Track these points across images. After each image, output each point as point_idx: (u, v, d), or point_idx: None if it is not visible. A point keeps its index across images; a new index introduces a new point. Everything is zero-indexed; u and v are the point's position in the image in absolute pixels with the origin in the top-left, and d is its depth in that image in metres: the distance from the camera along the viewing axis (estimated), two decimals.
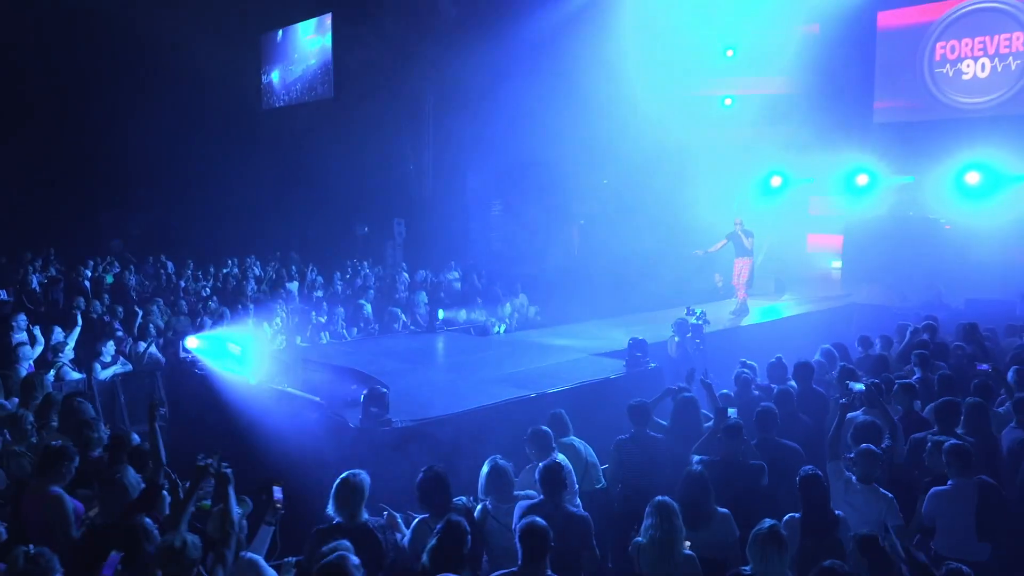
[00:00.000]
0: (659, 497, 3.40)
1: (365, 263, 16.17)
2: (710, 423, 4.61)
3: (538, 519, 3.06)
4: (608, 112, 17.50)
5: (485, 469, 3.95)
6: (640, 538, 3.36)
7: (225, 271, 15.07)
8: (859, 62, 16.98)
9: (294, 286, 13.40)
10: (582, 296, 13.78)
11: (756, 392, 5.51)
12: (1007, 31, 15.72)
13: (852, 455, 4.08)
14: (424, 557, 3.21)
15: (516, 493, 3.88)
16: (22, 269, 13.51)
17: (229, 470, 3.29)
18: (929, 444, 4.30)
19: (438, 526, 3.30)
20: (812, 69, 16.95)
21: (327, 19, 18.84)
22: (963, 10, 16.10)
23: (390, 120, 18.11)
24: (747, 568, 3.12)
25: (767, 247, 17.14)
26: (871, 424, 4.40)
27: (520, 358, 7.46)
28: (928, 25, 16.48)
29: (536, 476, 3.85)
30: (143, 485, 3.70)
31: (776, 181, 17.67)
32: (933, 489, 3.93)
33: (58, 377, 6.92)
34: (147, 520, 3.39)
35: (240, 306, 10.48)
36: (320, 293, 13.12)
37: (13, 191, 18.56)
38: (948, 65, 16.47)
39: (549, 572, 2.98)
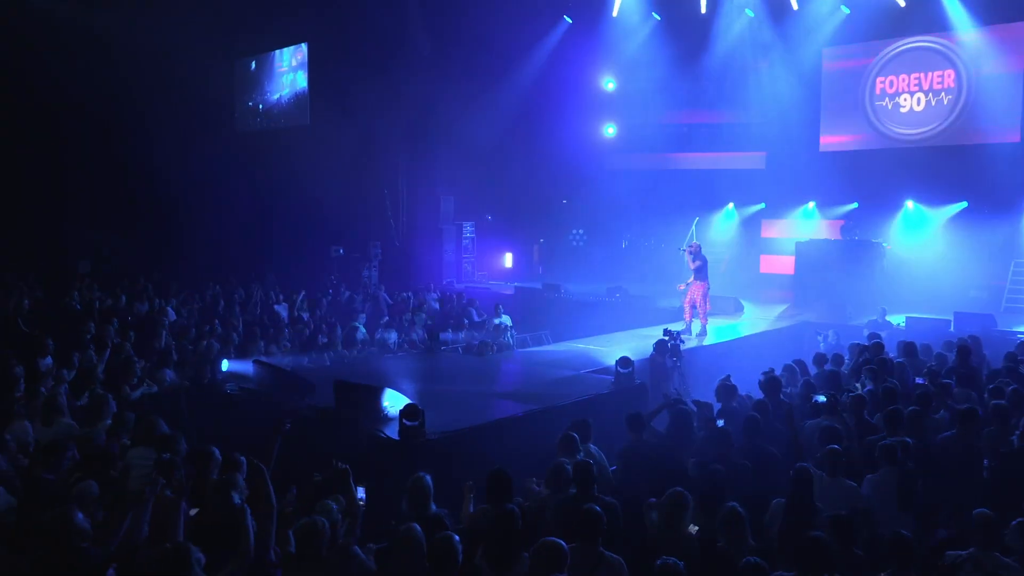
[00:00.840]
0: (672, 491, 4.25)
1: (342, 286, 16.80)
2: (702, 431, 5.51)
3: (594, 506, 3.88)
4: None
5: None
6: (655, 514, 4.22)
7: (211, 294, 15.53)
8: (809, 97, 18.41)
9: (283, 308, 13.99)
10: (554, 316, 14.75)
11: (735, 404, 6.43)
12: (940, 69, 17.26)
13: (819, 455, 5.01)
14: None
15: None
16: (15, 294, 13.79)
17: (347, 466, 4.06)
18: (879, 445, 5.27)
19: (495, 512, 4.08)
20: (768, 102, 18.38)
21: (303, 48, 19.49)
22: (901, 48, 17.60)
23: (364, 147, 18.85)
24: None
25: (724, 264, 18.41)
26: (833, 429, 5.34)
27: (518, 376, 8.29)
28: (869, 62, 17.91)
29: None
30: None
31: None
32: (868, 476, 4.94)
33: None
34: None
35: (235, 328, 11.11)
36: (306, 315, 13.74)
37: None
38: (887, 99, 17.96)
39: (601, 549, 3.78)
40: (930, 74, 17.39)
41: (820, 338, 10.84)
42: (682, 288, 12.38)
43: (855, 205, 17.54)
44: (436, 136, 18.98)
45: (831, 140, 18.59)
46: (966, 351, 8.00)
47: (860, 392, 6.42)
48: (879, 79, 18.02)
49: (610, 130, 20.88)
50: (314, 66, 19.47)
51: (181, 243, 20.61)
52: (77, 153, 21.29)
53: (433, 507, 4.30)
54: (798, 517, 4.10)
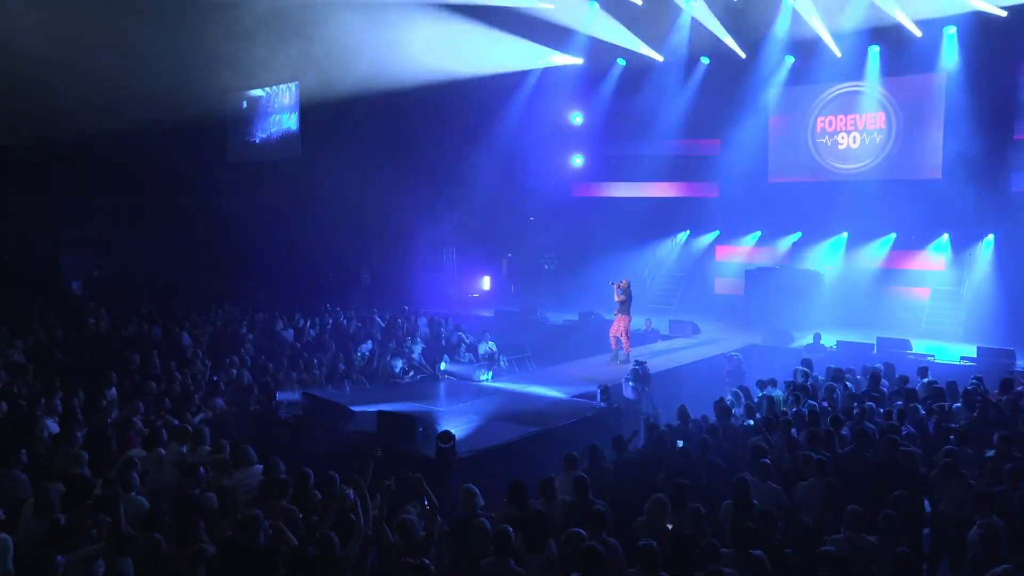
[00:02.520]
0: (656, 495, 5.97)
1: (339, 310, 18.14)
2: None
3: (599, 506, 5.57)
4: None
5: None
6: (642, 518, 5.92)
7: (220, 319, 16.78)
8: (759, 133, 20.45)
9: (289, 334, 15.35)
10: (533, 339, 16.40)
11: (691, 426, 8.18)
12: (871, 111, 19.37)
13: (752, 466, 6.79)
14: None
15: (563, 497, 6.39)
16: (47, 323, 14.95)
17: (419, 475, 5.72)
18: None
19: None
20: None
21: (295, 87, 20.97)
22: (838, 91, 19.69)
23: (352, 179, 20.34)
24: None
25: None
26: (760, 447, 7.13)
27: (516, 401, 9.99)
28: (811, 103, 19.97)
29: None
30: None
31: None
32: (800, 484, 6.70)
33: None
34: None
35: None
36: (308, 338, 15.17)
37: None
38: (827, 136, 20.03)
39: (604, 536, 5.45)
40: (864, 115, 19.49)
41: (726, 364, 12.39)
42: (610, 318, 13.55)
43: (799, 235, 19.51)
44: (419, 169, 20.58)
45: (779, 173, 20.59)
46: (876, 378, 9.91)
47: (788, 416, 8.25)
48: (819, 118, 20.10)
49: (577, 160, 22.68)
50: (305, 105, 20.93)
51: (173, 265, 21.71)
52: (69, 178, 22.19)
53: (482, 501, 5.94)
54: (738, 511, 5.84)
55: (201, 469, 6.50)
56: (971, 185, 16.69)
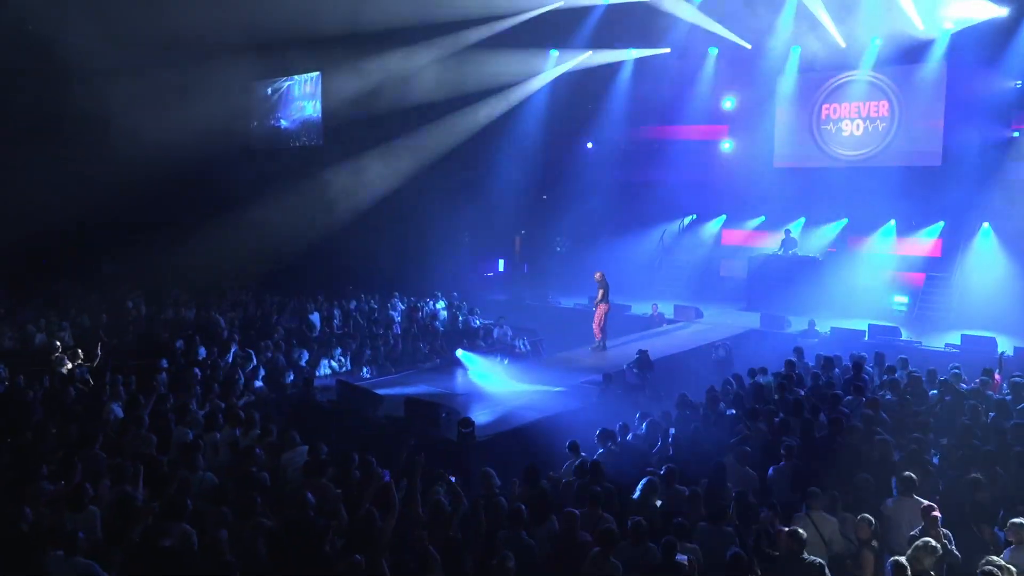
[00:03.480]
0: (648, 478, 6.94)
1: (362, 293, 19.03)
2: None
3: (599, 487, 6.55)
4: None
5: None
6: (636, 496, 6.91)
7: (251, 303, 17.80)
8: (766, 119, 21.13)
9: (316, 317, 16.30)
10: (545, 322, 17.32)
11: (688, 412, 9.12)
12: (875, 99, 19.98)
13: (736, 451, 7.75)
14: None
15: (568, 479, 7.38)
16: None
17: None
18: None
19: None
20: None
21: (317, 77, 21.77)
22: (843, 80, 20.30)
23: (374, 165, 21.23)
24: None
25: None
26: (741, 433, 8.08)
27: (524, 387, 10.96)
28: (817, 90, 20.60)
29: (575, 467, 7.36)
30: None
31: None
32: (771, 467, 7.64)
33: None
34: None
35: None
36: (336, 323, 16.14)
37: None
38: (832, 124, 20.68)
39: (600, 511, 6.42)
40: (867, 103, 20.12)
41: (714, 352, 13.27)
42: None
43: (803, 220, 20.22)
44: (433, 157, 21.44)
45: (784, 158, 21.28)
46: (859, 366, 10.80)
47: (770, 404, 9.19)
48: (824, 106, 20.74)
49: (589, 144, 23.44)
50: (327, 94, 21.74)
51: (192, 253, 22.33)
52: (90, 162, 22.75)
53: (498, 481, 6.93)
54: (713, 491, 6.82)
55: (258, 450, 7.52)
56: (969, 173, 17.37)
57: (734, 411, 8.80)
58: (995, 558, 5.29)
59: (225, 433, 8.44)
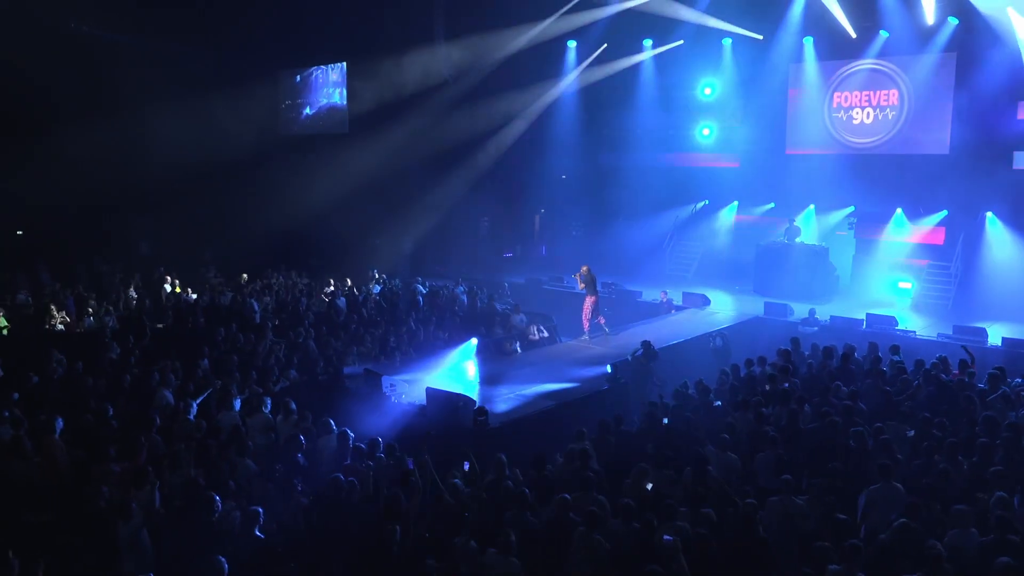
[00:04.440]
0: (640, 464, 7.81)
1: (384, 276, 19.93)
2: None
3: (591, 472, 7.43)
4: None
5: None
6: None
7: (278, 286, 18.78)
8: (778, 107, 21.65)
9: (342, 302, 17.21)
10: (560, 307, 18.09)
11: (682, 401, 9.96)
12: (885, 88, 20.41)
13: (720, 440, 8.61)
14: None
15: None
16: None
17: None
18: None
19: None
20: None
21: (342, 67, 22.58)
22: (854, 68, 20.73)
23: (396, 150, 22.06)
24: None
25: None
26: (730, 424, 8.91)
27: (538, 375, 11.83)
28: (829, 79, 21.04)
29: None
30: None
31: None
32: (757, 455, 8.47)
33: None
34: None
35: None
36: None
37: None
38: (843, 111, 21.14)
39: (594, 493, 7.31)
40: (878, 92, 20.55)
41: (712, 342, 13.97)
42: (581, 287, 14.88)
43: (812, 208, 20.79)
44: (456, 143, 22.23)
45: (795, 144, 21.78)
46: (847, 356, 11.55)
47: (759, 395, 10.03)
48: (836, 94, 21.19)
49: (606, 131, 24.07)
50: (352, 84, 22.56)
51: (223, 232, 23.20)
52: (127, 147, 23.53)
53: (508, 473, 7.85)
54: (696, 477, 7.68)
55: (300, 437, 8.49)
56: (975, 162, 17.82)
57: (720, 403, 9.61)
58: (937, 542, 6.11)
59: (263, 418, 9.41)
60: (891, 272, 18.73)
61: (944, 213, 18.76)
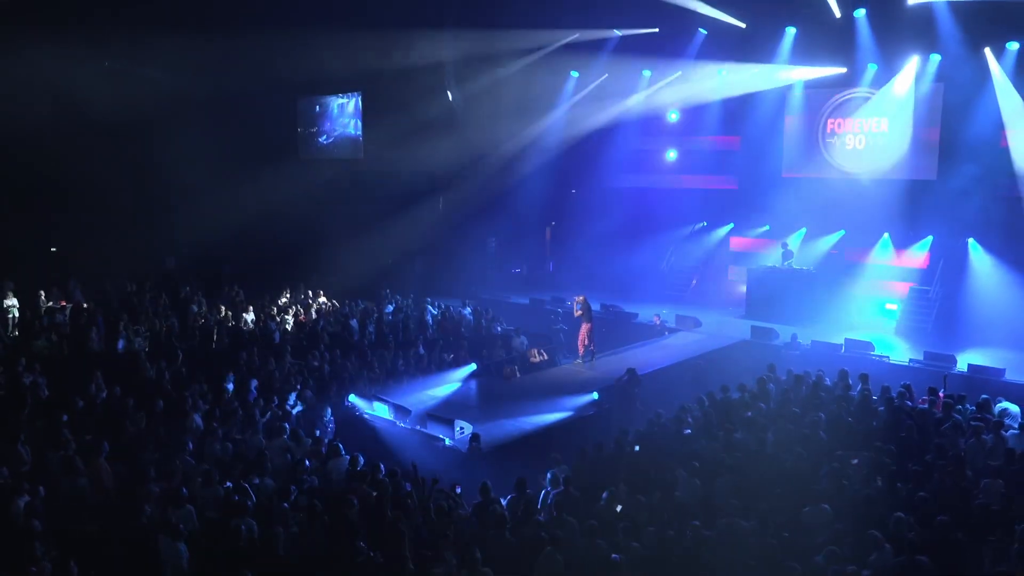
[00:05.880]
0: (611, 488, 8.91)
1: (398, 296, 20.98)
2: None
3: (574, 494, 8.55)
4: None
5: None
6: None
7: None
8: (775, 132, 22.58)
9: (355, 323, 18.35)
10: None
11: (656, 429, 11.03)
12: (875, 116, 21.28)
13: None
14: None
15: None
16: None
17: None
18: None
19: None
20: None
21: (358, 98, 23.90)
22: (846, 96, 21.66)
23: (409, 177, 23.29)
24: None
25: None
26: (694, 450, 9.98)
27: (532, 399, 12.95)
28: (823, 105, 21.95)
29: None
30: None
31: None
32: (718, 480, 9.52)
33: None
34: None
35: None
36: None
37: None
38: (836, 137, 22.06)
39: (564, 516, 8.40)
40: (869, 119, 21.46)
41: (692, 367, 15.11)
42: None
43: (804, 231, 21.71)
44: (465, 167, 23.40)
45: (791, 167, 22.70)
46: (818, 383, 12.57)
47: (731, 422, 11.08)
48: (829, 120, 22.12)
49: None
50: (367, 114, 23.87)
51: (239, 256, 24.23)
52: (153, 169, 24.54)
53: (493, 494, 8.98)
54: (663, 502, 8.76)
55: (307, 461, 9.66)
56: (961, 188, 18.57)
57: (690, 431, 10.69)
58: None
59: (280, 443, 10.59)
60: (877, 294, 19.55)
61: (930, 239, 19.55)
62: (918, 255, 20.01)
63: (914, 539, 7.48)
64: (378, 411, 12.44)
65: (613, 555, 7.12)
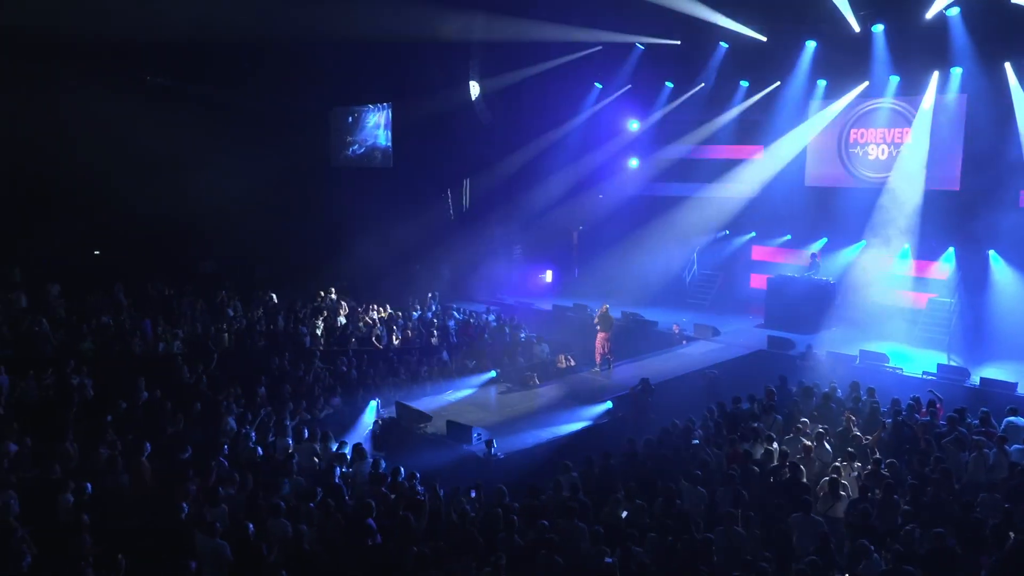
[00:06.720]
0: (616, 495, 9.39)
1: (429, 300, 21.51)
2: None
3: (576, 503, 9.07)
4: None
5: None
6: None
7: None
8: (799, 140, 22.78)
9: (382, 329, 18.98)
10: (584, 336, 19.48)
11: (665, 438, 11.48)
12: (899, 126, 21.40)
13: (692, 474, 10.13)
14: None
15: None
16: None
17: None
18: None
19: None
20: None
21: (388, 109, 24.63)
22: (869, 107, 21.81)
23: (436, 185, 23.97)
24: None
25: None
26: (703, 460, 10.41)
27: (547, 408, 13.47)
28: (847, 115, 22.12)
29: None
30: None
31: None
32: (718, 489, 9.97)
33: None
34: None
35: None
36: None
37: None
38: (859, 147, 22.22)
39: (575, 521, 8.91)
40: (892, 130, 21.58)
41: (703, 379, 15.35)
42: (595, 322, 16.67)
43: (824, 240, 21.89)
44: (492, 176, 23.97)
45: (814, 177, 22.90)
46: (830, 395, 12.90)
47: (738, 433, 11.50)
48: (852, 130, 22.28)
49: (633, 163, 25.50)
50: (396, 124, 24.60)
51: (271, 260, 24.95)
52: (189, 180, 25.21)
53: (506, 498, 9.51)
54: (665, 509, 9.22)
55: (338, 468, 10.29)
56: (983, 200, 18.63)
57: (697, 440, 11.13)
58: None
59: (308, 447, 11.24)
60: (898, 306, 19.67)
61: (952, 250, 19.61)
62: (939, 266, 20.05)
63: (908, 551, 7.84)
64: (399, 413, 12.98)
65: (607, 559, 7.60)
